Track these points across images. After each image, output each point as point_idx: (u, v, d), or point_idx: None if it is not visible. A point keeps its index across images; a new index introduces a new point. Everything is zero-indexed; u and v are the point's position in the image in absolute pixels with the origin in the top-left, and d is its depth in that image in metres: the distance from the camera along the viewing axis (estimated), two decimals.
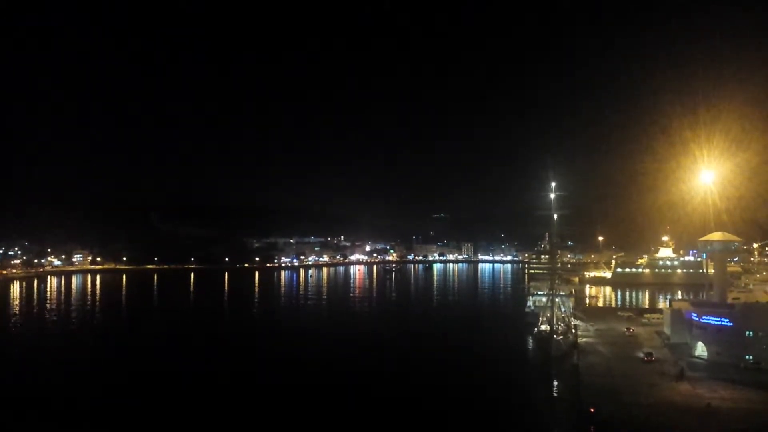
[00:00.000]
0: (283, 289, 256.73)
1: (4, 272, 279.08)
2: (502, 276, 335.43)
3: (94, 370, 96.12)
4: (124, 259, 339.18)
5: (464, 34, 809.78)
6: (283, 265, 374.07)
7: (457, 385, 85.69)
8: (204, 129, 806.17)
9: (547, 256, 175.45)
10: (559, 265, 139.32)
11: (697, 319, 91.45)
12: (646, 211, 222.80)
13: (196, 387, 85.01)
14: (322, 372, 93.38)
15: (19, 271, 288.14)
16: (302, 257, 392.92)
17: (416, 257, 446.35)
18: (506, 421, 70.93)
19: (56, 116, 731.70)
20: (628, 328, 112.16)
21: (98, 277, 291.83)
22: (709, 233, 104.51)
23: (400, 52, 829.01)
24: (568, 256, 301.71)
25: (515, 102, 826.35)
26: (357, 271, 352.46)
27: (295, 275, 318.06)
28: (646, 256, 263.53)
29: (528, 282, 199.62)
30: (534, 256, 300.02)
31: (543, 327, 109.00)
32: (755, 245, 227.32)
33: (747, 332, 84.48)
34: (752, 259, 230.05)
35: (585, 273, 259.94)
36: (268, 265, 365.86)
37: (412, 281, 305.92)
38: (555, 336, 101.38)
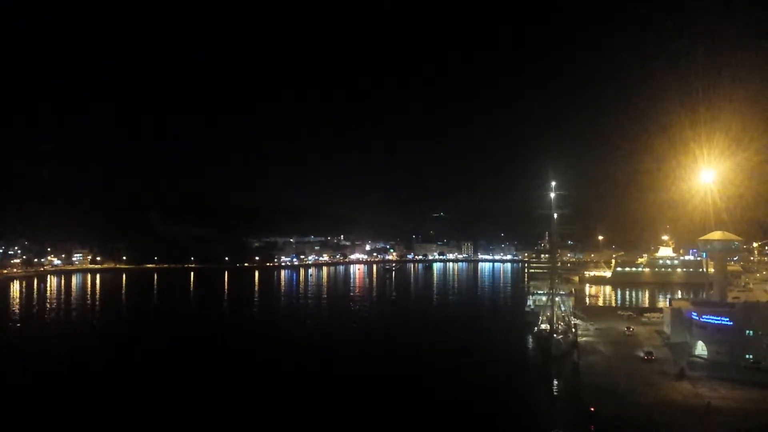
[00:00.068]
0: (283, 288, 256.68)
1: (5, 271, 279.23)
2: (502, 275, 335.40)
3: (95, 370, 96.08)
4: (124, 258, 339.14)
5: (464, 33, 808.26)
6: (283, 264, 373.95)
7: (457, 384, 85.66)
8: (204, 129, 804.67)
9: (547, 255, 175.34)
10: (559, 264, 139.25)
11: (697, 318, 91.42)
12: (646, 210, 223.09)
13: (196, 387, 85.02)
14: (322, 372, 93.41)
15: (19, 271, 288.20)
16: (302, 256, 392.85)
17: (416, 256, 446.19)
18: (506, 421, 70.92)
19: (56, 116, 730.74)
20: (628, 328, 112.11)
21: (98, 276, 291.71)
22: (709, 232, 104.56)
23: (400, 52, 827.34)
24: (568, 256, 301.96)
25: (515, 101, 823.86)
26: (357, 271, 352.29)
27: (295, 275, 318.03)
28: (646, 255, 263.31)
29: (528, 281, 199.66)
30: (534, 255, 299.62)
31: (543, 326, 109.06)
32: (755, 244, 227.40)
33: (747, 331, 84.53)
34: (752, 258, 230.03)
35: (585, 272, 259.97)
36: (268, 264, 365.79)
37: (412, 280, 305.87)
38: (555, 335, 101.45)
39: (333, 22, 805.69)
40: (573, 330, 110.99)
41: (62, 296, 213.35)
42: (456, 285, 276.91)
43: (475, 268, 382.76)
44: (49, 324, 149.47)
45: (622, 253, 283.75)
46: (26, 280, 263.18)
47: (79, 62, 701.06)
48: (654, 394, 71.02)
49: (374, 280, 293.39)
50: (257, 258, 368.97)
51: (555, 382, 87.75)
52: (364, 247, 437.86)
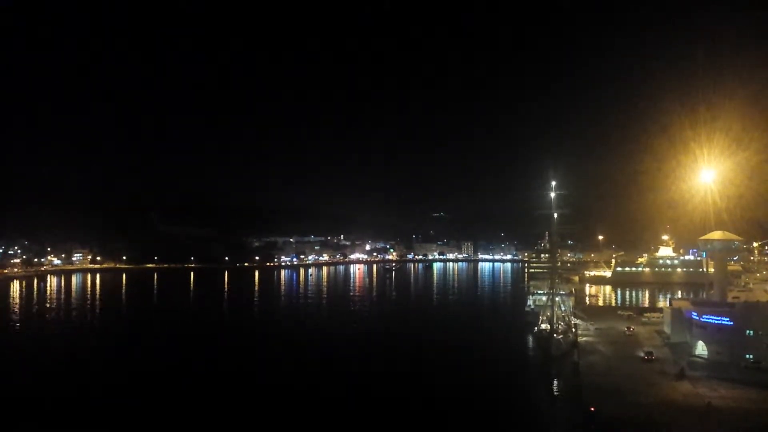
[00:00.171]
0: (283, 288, 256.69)
1: (5, 271, 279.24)
2: (502, 275, 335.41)
3: (94, 370, 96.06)
4: (124, 258, 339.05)
5: (464, 33, 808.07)
6: (282, 264, 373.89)
7: (457, 384, 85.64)
8: (204, 129, 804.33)
9: (547, 255, 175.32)
10: (559, 264, 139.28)
11: (697, 318, 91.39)
12: (646, 210, 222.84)
13: (196, 387, 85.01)
14: (322, 372, 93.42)
15: (19, 271, 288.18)
16: (302, 256, 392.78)
17: (416, 256, 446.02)
18: (506, 421, 70.90)
19: (56, 116, 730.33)
20: (628, 327, 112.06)
21: (98, 276, 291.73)
22: (709, 232, 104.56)
23: (400, 52, 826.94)
24: (568, 255, 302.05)
25: (515, 101, 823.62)
26: (357, 270, 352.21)
27: (294, 274, 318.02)
28: (646, 255, 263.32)
29: (528, 281, 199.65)
30: (534, 255, 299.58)
31: (543, 326, 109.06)
32: (755, 244, 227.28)
33: (747, 331, 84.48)
34: (752, 258, 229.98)
35: (585, 272, 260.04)
36: (267, 264, 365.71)
37: (412, 280, 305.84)
38: (555, 335, 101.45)
39: (333, 22, 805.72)
40: (573, 330, 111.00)
41: (62, 296, 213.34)
42: (456, 285, 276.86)
43: (475, 268, 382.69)
44: (49, 324, 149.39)
45: (622, 252, 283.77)
46: (26, 279, 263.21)
47: (79, 62, 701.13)
48: (654, 394, 70.99)
49: (374, 280, 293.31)
50: (257, 258, 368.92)
51: (555, 382, 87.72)
52: (364, 247, 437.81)
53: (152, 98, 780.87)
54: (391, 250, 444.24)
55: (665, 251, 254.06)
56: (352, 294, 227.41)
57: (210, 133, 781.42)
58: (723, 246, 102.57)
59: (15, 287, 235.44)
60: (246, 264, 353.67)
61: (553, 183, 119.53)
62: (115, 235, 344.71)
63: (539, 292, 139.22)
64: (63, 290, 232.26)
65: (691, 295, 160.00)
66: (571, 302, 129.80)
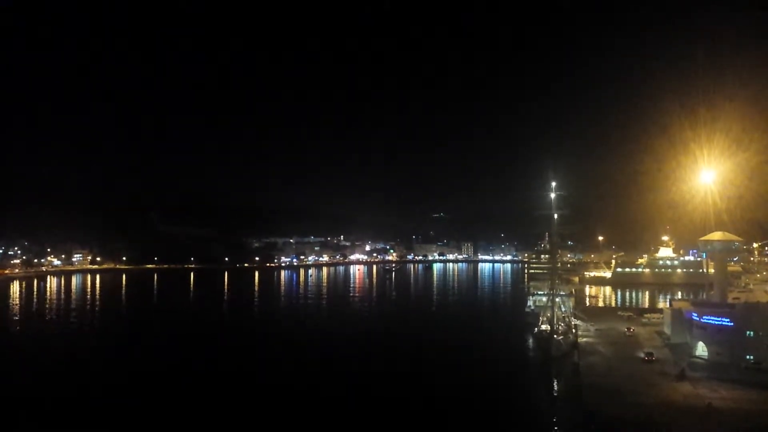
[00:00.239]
0: (282, 288, 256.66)
1: (6, 272, 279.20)
2: (502, 276, 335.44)
3: (95, 370, 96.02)
4: (124, 258, 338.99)
5: (464, 33, 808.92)
6: (282, 264, 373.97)
7: (457, 384, 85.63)
8: (204, 129, 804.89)
9: (547, 256, 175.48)
10: (559, 264, 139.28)
11: (697, 319, 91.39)
12: (646, 211, 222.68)
13: (196, 387, 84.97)
14: (322, 372, 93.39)
15: (18, 271, 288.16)
16: (302, 257, 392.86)
17: (416, 257, 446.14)
18: (506, 421, 70.89)
19: (56, 116, 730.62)
20: (629, 328, 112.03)
21: (98, 277, 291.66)
22: (709, 233, 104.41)
23: (400, 52, 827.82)
24: (568, 256, 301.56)
25: (515, 101, 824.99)
26: (357, 271, 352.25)
27: (294, 275, 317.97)
28: (646, 255, 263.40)
29: (528, 282, 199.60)
30: (534, 255, 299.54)
31: (543, 327, 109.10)
32: (755, 245, 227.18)
33: (747, 332, 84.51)
34: (752, 258, 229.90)
35: (585, 273, 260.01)
36: (267, 264, 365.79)
37: (412, 281, 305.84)
38: (555, 336, 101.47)
39: (333, 22, 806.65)
40: (573, 331, 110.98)
41: (62, 296, 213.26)
42: (456, 286, 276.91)
43: (475, 269, 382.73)
44: (49, 324, 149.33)
45: (622, 253, 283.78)
46: (26, 280, 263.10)
47: (79, 62, 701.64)
48: (654, 394, 70.98)
49: (374, 280, 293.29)
50: (257, 258, 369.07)
51: (555, 383, 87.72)
52: (364, 248, 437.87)
53: (152, 98, 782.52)
54: (391, 251, 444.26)
55: (665, 252, 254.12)
56: (352, 294, 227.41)
57: (210, 133, 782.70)
58: (723, 247, 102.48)
59: (15, 288, 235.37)
60: (246, 264, 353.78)
61: (553, 184, 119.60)
62: (115, 236, 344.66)
63: (539, 292, 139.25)
64: (63, 291, 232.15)
65: (691, 296, 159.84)
66: (571, 303, 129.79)
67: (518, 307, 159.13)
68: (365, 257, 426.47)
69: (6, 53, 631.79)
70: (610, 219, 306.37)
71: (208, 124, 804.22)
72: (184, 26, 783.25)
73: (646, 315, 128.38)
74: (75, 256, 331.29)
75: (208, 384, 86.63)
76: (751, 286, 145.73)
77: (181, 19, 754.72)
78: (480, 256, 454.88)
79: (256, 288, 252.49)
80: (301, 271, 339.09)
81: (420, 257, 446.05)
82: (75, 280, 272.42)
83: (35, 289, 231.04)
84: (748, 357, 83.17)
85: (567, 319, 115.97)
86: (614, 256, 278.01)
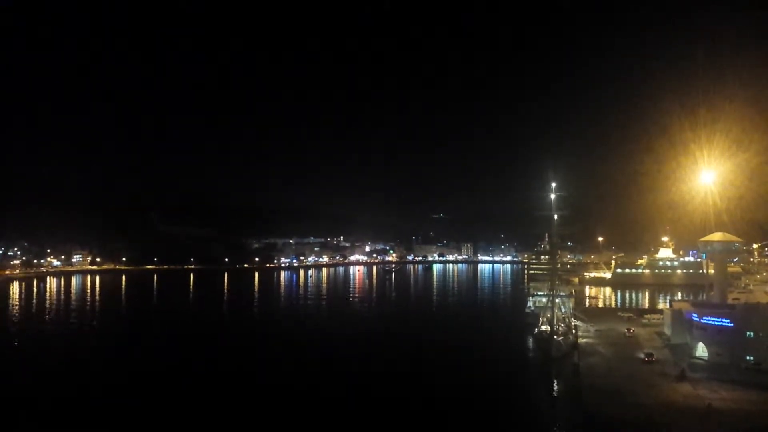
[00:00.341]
0: (282, 289, 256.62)
1: (6, 272, 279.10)
2: (501, 276, 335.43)
3: (94, 370, 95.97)
4: (124, 259, 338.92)
5: (464, 33, 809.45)
6: (282, 265, 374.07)
7: (457, 385, 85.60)
8: (204, 129, 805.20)
9: (547, 257, 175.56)
10: (559, 265, 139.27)
11: (697, 319, 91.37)
12: (646, 212, 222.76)
13: (196, 387, 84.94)
14: (322, 372, 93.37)
15: (18, 272, 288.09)
16: (302, 258, 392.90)
17: (416, 258, 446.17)
18: (506, 421, 70.89)
19: (56, 116, 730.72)
20: (629, 329, 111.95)
21: (97, 277, 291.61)
22: (709, 233, 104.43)
23: (400, 52, 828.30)
24: (568, 257, 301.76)
25: (515, 101, 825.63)
26: (356, 272, 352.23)
27: (294, 276, 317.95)
28: (645, 256, 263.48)
29: (528, 282, 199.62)
30: (534, 256, 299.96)
31: (543, 327, 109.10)
32: (755, 246, 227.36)
33: (747, 333, 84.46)
34: (752, 259, 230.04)
35: (585, 273, 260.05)
36: (267, 265, 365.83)
37: (412, 282, 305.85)
38: (555, 336, 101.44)
39: (333, 22, 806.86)
40: (573, 331, 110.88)
41: (62, 297, 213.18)
42: (456, 286, 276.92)
43: (475, 270, 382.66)
44: (48, 324, 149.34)
45: (622, 254, 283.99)
46: (26, 281, 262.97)
47: (79, 62, 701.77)
48: (654, 395, 70.96)
49: (374, 281, 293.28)
50: (257, 259, 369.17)
51: (555, 383, 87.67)
52: (364, 249, 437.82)
53: (152, 98, 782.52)
54: (391, 252, 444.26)
55: (665, 253, 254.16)
56: (351, 295, 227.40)
57: (210, 133, 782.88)
58: (723, 247, 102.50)
59: (14, 288, 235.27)
60: (246, 265, 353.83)
61: (553, 184, 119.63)
62: (115, 236, 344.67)
63: (539, 293, 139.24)
64: (62, 291, 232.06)
65: (692, 297, 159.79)
66: (571, 304, 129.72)
67: (518, 307, 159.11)
68: (365, 258, 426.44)
69: (6, 53, 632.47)
70: (610, 220, 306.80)
71: (208, 124, 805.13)
72: (184, 26, 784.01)
73: (646, 316, 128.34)
74: (75, 256, 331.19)
75: (208, 384, 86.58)
76: (751, 287, 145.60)
77: (181, 19, 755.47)
78: (480, 257, 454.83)
79: (256, 289, 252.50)
80: (301, 272, 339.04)
81: (420, 258, 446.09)
82: (75, 281, 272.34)
83: (35, 290, 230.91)
84: (748, 358, 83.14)
85: (567, 320, 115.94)
86: (614, 257, 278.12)
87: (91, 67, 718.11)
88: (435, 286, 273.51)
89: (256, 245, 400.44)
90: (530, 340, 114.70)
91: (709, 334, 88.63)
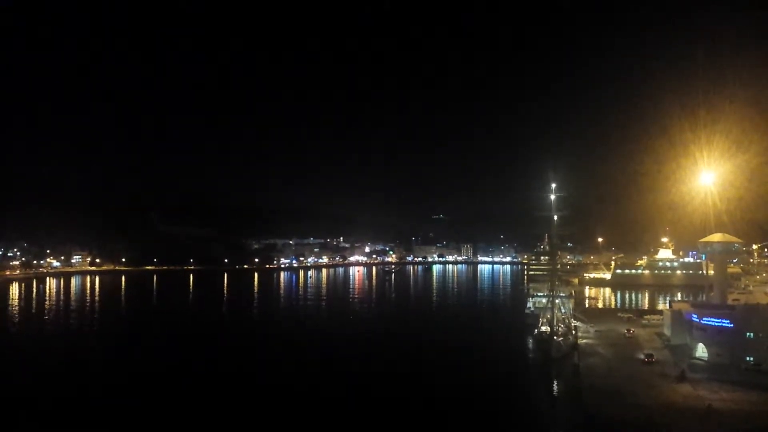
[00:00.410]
0: (282, 290, 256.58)
1: (6, 273, 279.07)
2: (501, 277, 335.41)
3: (94, 371, 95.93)
4: (123, 260, 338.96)
5: (464, 33, 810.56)
6: (282, 266, 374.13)
7: (457, 385, 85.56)
8: (204, 129, 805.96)
9: (546, 258, 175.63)
10: (558, 266, 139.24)
11: (697, 320, 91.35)
12: (646, 212, 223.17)
13: (196, 387, 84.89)
14: (322, 372, 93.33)
15: (18, 273, 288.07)
16: (301, 258, 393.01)
17: (415, 258, 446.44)
18: (506, 421, 70.87)
19: (56, 116, 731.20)
20: (628, 330, 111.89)
21: (97, 278, 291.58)
22: (709, 234, 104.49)
23: (400, 52, 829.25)
24: (568, 258, 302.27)
25: (515, 101, 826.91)
26: (356, 273, 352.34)
27: (294, 276, 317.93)
28: (645, 257, 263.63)
29: (528, 283, 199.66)
30: (534, 257, 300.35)
31: (543, 328, 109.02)
32: (755, 246, 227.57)
33: (747, 334, 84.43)
34: (752, 260, 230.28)
35: (585, 274, 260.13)
36: (267, 266, 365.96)
37: (412, 282, 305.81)
38: (555, 337, 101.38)
39: (333, 22, 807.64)
40: (573, 332, 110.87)
41: (61, 298, 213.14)
42: (456, 287, 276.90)
43: (475, 270, 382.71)
44: (48, 325, 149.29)
45: (622, 255, 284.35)
46: (25, 281, 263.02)
47: (79, 62, 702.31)
48: (654, 396, 70.91)
49: (374, 282, 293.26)
50: (257, 260, 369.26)
51: (555, 384, 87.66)
52: (364, 249, 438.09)
53: (152, 98, 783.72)
54: (391, 252, 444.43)
55: (665, 253, 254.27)
56: (351, 296, 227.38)
57: (210, 133, 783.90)
58: (723, 248, 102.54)
59: (14, 289, 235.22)
60: (245, 266, 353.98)
61: (553, 185, 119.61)
62: (115, 236, 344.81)
63: (539, 294, 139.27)
64: (62, 292, 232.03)
65: (691, 298, 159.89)
66: (570, 304, 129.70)
67: (518, 308, 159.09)
68: (365, 258, 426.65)
69: (6, 53, 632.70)
70: (609, 220, 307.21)
71: (208, 124, 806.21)
72: (184, 26, 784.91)
73: (645, 316, 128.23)
74: (74, 257, 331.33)
75: (208, 385, 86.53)
76: (751, 288, 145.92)
77: (181, 19, 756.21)
78: (480, 258, 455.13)
79: (256, 289, 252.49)
80: (301, 273, 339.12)
81: (419, 259, 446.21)
82: (74, 282, 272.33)
83: (34, 291, 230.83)
84: (748, 358, 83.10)
85: (567, 321, 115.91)
86: (614, 258, 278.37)
87: (91, 67, 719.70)
88: (435, 286, 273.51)
89: (256, 246, 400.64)
90: (530, 341, 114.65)
91: (709, 334, 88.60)
